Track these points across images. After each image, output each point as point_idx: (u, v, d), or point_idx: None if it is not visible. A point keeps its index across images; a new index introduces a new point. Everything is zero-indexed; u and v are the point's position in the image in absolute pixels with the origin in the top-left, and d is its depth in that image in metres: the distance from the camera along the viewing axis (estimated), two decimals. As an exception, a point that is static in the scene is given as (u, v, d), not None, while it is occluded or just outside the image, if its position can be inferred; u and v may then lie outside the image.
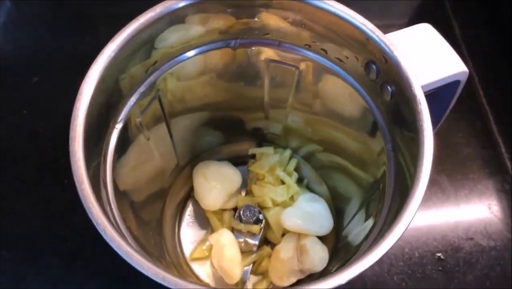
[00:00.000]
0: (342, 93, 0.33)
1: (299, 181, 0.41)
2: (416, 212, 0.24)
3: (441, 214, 0.43)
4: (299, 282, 0.37)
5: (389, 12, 0.56)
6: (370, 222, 0.31)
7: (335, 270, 0.33)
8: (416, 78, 0.27)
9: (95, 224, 0.23)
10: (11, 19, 0.53)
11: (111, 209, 0.27)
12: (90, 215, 0.23)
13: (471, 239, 0.42)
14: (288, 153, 0.42)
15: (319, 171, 0.42)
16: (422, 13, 0.56)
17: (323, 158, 0.40)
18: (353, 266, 0.23)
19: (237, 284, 0.36)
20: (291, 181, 0.40)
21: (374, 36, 0.28)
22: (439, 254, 0.41)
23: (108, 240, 0.22)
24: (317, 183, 0.42)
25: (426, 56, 0.30)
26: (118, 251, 0.22)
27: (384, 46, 0.28)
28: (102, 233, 0.23)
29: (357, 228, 0.34)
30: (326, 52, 0.32)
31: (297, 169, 0.42)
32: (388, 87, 0.29)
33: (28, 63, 0.50)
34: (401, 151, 0.29)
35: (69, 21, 0.54)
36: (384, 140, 0.30)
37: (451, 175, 0.45)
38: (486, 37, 0.54)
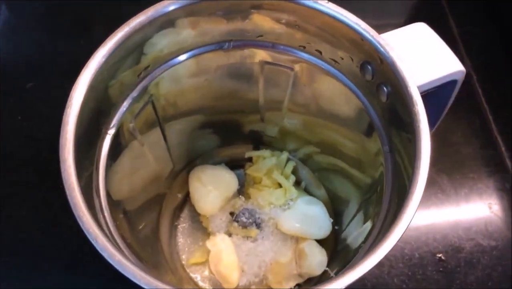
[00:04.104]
0: (338, 95, 0.32)
1: (297, 183, 0.41)
2: (414, 214, 0.23)
3: (441, 214, 0.43)
4: (298, 286, 0.36)
5: (386, 11, 0.55)
6: (369, 224, 0.30)
7: (335, 274, 0.33)
8: (412, 78, 0.26)
9: (86, 232, 0.22)
10: (7, 25, 0.53)
11: (104, 217, 0.27)
12: (80, 224, 0.23)
13: (472, 239, 0.42)
14: (285, 155, 0.41)
15: (317, 173, 0.41)
16: (419, 12, 0.55)
17: (321, 160, 0.40)
18: (352, 270, 0.22)
19: (235, 289, 0.36)
20: (288, 183, 0.40)
21: (369, 36, 0.27)
22: (439, 255, 0.41)
23: (99, 250, 0.22)
24: (314, 185, 0.41)
25: (422, 56, 0.29)
26: (110, 260, 0.22)
27: (379, 46, 0.27)
28: (93, 242, 0.22)
29: (356, 230, 0.33)
30: (321, 53, 0.31)
31: (294, 172, 0.41)
32: (384, 87, 0.28)
33: (23, 68, 0.50)
34: (399, 152, 0.28)
35: (64, 26, 0.53)
36: (381, 141, 0.30)
37: (451, 175, 0.44)
38: (484, 35, 0.53)
